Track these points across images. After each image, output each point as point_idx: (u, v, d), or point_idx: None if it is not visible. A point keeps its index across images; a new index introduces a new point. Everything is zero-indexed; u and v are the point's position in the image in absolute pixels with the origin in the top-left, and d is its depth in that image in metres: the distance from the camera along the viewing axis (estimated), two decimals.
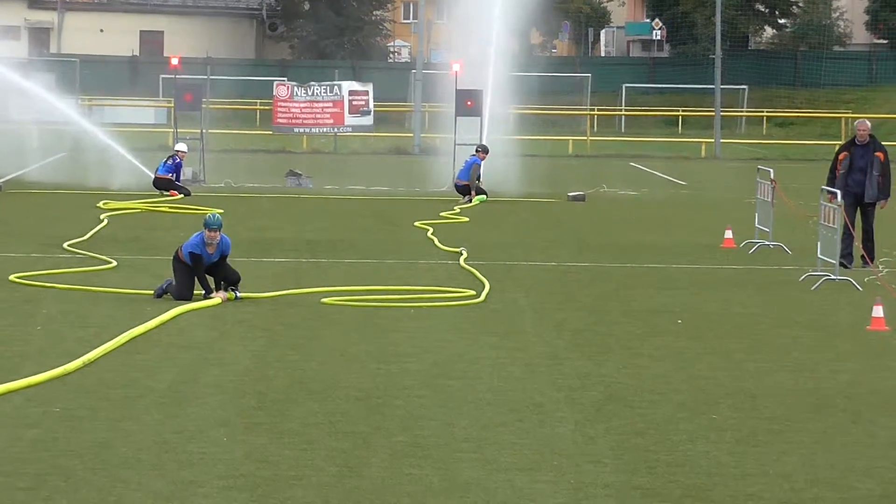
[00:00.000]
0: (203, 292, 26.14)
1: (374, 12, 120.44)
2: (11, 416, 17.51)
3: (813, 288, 30.43)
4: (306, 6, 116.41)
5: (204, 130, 56.70)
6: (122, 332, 22.15)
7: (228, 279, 26.63)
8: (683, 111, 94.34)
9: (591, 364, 21.63)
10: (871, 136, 34.85)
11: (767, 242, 36.39)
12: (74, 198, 48.12)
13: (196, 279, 26.08)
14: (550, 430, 17.40)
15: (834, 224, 30.96)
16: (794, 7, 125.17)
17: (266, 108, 72.98)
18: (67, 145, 62.11)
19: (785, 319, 27.01)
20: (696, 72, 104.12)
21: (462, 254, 34.03)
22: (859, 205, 33.79)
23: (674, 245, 38.85)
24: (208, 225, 26.15)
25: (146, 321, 23.50)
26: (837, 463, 16.18)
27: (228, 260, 26.61)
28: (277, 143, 73.46)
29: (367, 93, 62.51)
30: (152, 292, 26.69)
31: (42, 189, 51.26)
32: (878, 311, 24.39)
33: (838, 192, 32.33)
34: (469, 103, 53.87)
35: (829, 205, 32.43)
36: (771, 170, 40.13)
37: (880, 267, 32.48)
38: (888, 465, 16.06)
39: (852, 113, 77.71)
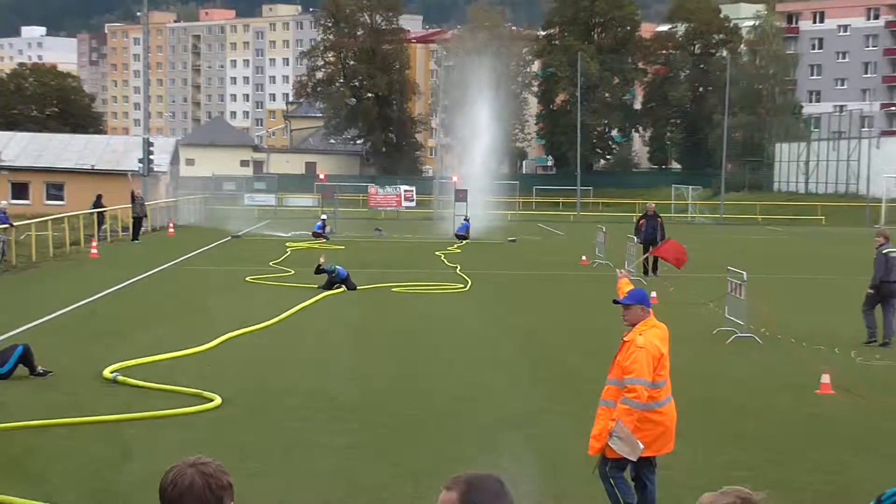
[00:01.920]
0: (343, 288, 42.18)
1: (416, 135, 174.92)
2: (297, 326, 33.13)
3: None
4: (384, 149, 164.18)
5: (335, 209, 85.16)
6: (302, 303, 37.21)
7: (349, 286, 42.37)
8: (563, 199, 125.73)
9: (520, 319, 35.75)
10: (654, 211, 51.23)
11: (603, 261, 52.08)
12: (274, 242, 67.54)
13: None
14: (495, 351, 30.10)
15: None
16: (612, 150, 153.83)
17: (365, 197, 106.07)
18: (270, 216, 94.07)
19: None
20: (569, 181, 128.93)
21: (514, 240, 68.50)
22: (650, 245, 47.67)
23: (558, 263, 55.10)
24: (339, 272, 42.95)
25: (312, 299, 38.64)
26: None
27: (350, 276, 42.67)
28: (371, 215, 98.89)
29: (412, 191, 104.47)
30: (317, 286, 41.98)
31: (257, 237, 73.22)
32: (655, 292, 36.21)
33: (635, 238, 49.13)
34: (461, 195, 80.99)
35: (633, 243, 48.47)
36: (603, 226, 57.19)
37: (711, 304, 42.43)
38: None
39: (643, 200, 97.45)
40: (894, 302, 31.35)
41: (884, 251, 31.43)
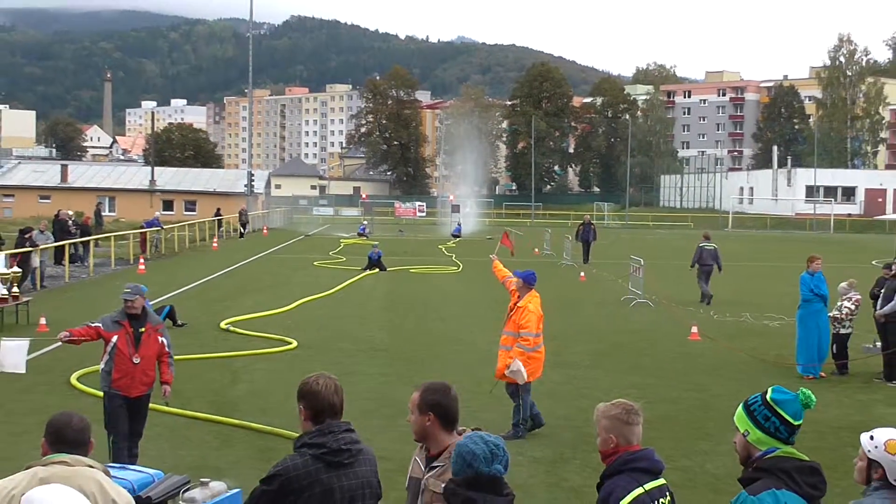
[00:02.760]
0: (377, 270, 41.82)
1: (425, 169, 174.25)
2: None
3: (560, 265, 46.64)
4: (405, 178, 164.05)
5: (372, 218, 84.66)
6: (351, 279, 37.72)
7: (382, 268, 41.82)
8: (522, 211, 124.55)
9: (493, 291, 32.82)
10: (590, 220, 49.94)
11: (548, 252, 49.52)
12: (332, 239, 66.52)
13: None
14: (476, 309, 30.00)
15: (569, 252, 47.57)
16: (554, 179, 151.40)
17: (392, 210, 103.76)
18: (329, 223, 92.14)
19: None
20: (527, 200, 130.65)
21: (490, 238, 61.66)
22: (586, 243, 48.33)
23: (519, 253, 52.08)
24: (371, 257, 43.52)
25: (357, 277, 39.13)
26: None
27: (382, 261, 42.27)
28: (396, 222, 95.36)
29: (423, 205, 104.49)
30: (360, 268, 42.10)
31: (322, 236, 72.22)
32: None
33: (575, 238, 48.26)
34: (455, 209, 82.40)
35: (569, 240, 48.40)
36: (549, 229, 56.96)
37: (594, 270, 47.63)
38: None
39: (577, 213, 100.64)
40: (709, 275, 33.26)
41: (703, 245, 33.67)
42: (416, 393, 5.76)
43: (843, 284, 20.14)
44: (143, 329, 11.54)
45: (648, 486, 5.25)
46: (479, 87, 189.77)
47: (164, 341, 11.79)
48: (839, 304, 19.91)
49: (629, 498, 5.18)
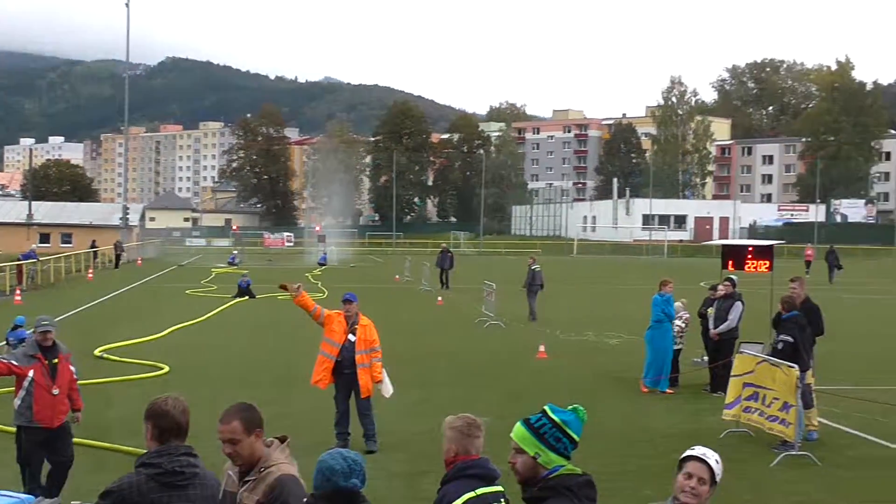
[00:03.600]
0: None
1: (293, 202, 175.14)
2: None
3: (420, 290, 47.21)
4: (274, 210, 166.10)
5: (243, 248, 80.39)
6: (221, 306, 37.61)
7: (251, 296, 41.75)
8: (384, 241, 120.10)
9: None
10: (447, 247, 51.02)
11: (408, 278, 49.00)
12: (203, 269, 64.87)
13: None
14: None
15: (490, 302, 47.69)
16: (414, 210, 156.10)
17: (262, 240, 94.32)
18: (202, 253, 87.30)
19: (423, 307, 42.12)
20: (389, 229, 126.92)
21: (354, 266, 58.77)
22: (444, 270, 48.20)
23: (381, 279, 52.84)
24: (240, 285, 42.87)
25: (227, 304, 38.92)
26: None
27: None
28: (265, 252, 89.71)
29: (291, 235, 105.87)
30: (230, 295, 41.24)
31: (192, 266, 68.71)
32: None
33: (436, 264, 49.65)
34: (321, 238, 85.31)
35: (426, 266, 49.99)
36: (409, 257, 56.39)
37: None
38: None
39: (435, 241, 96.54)
40: (536, 294, 34.43)
41: (532, 267, 34.76)
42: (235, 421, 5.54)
43: (676, 304, 20.45)
44: (56, 360, 11.16)
45: (480, 491, 5.27)
46: (344, 124, 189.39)
47: (73, 369, 11.50)
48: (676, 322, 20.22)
49: (460, 501, 5.21)
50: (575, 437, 4.97)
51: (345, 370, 14.21)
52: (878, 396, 18.13)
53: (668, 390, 19.26)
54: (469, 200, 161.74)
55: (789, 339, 14.76)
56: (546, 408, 5.05)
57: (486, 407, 17.06)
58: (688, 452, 5.20)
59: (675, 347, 20.07)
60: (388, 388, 14.52)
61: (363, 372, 14.22)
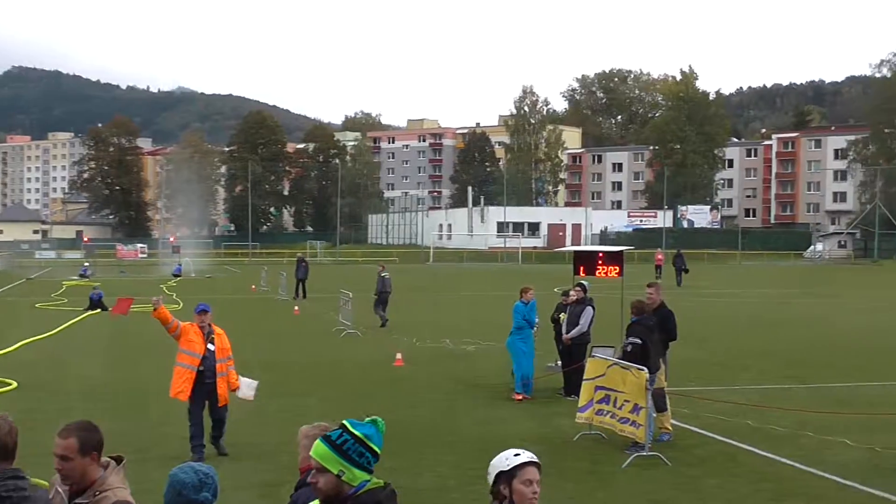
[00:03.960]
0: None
1: (147, 212, 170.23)
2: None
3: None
4: (126, 221, 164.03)
5: (94, 260, 75.80)
6: (72, 320, 37.07)
7: (103, 308, 40.37)
8: (240, 251, 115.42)
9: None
10: (303, 257, 50.32)
11: (265, 289, 49.05)
12: (53, 282, 62.24)
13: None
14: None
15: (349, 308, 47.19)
16: (270, 220, 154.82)
17: (114, 252, 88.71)
18: (52, 266, 76.74)
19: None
20: (245, 239, 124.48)
21: (210, 277, 50.15)
22: (300, 280, 48.80)
23: (238, 289, 52.50)
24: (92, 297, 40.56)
25: (79, 317, 38.32)
26: None
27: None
28: (118, 263, 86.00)
29: (145, 247, 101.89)
30: (82, 308, 40.72)
31: (41, 279, 64.29)
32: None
33: (295, 275, 49.65)
34: (176, 249, 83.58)
35: (283, 276, 49.61)
36: (266, 267, 55.46)
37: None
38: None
39: (292, 251, 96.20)
40: (386, 302, 34.82)
41: (382, 274, 35.29)
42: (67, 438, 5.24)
43: None
44: None
45: None
46: (198, 134, 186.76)
47: None
48: None
49: None
50: (377, 450, 4.78)
51: (206, 380, 14.21)
52: (725, 397, 18.71)
53: (518, 396, 19.36)
54: (325, 210, 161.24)
55: (637, 340, 15.04)
56: (345, 423, 4.86)
57: (345, 415, 16.85)
58: (517, 461, 4.99)
59: None
60: (247, 393, 14.68)
61: (222, 381, 14.35)
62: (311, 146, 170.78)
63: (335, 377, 22.43)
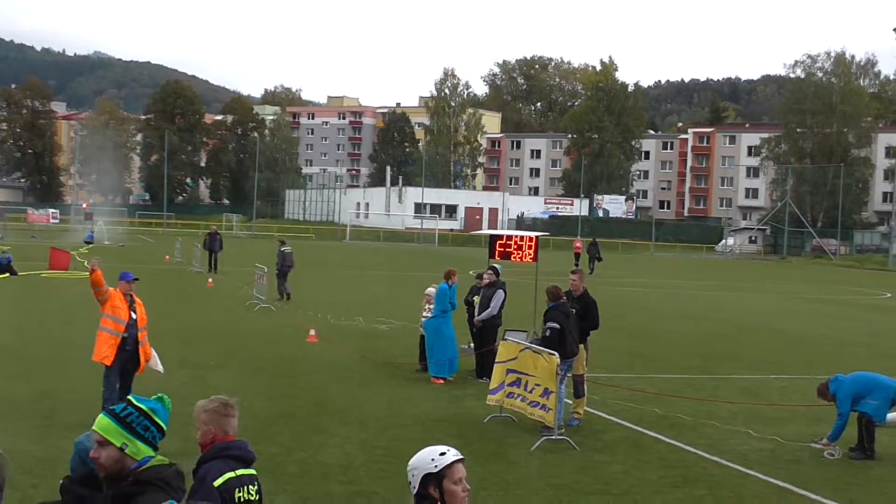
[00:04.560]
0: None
1: (60, 177, 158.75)
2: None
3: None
4: (38, 186, 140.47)
5: (4, 224, 70.20)
6: None
7: (13, 272, 39.92)
8: (155, 220, 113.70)
9: None
10: (216, 230, 49.79)
11: (179, 260, 47.92)
12: None
13: None
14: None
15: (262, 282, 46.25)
16: (186, 191, 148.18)
17: (26, 216, 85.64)
18: None
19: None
20: (160, 209, 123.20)
21: (123, 245, 55.39)
22: (212, 252, 46.78)
23: (152, 260, 51.24)
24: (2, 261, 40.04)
25: None
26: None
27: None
28: (29, 227, 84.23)
29: (57, 212, 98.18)
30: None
31: None
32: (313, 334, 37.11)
33: (202, 246, 48.76)
34: (89, 216, 73.77)
35: (197, 248, 48.44)
36: (180, 238, 54.59)
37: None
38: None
39: (206, 223, 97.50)
40: (287, 276, 34.66)
41: (282, 248, 35.34)
42: None
43: (429, 290, 20.62)
44: None
45: (239, 472, 5.31)
46: (114, 100, 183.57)
47: None
48: (425, 306, 20.37)
49: (221, 480, 5.21)
50: (163, 425, 4.76)
51: (127, 347, 14.34)
52: (634, 384, 19.03)
53: (440, 380, 19.29)
54: (242, 183, 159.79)
55: (556, 325, 15.11)
56: (130, 397, 4.86)
57: (256, 389, 17.05)
58: (444, 461, 4.74)
59: None
60: (158, 363, 14.84)
61: (142, 350, 14.54)
62: (230, 118, 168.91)
63: (247, 351, 22.29)
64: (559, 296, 15.65)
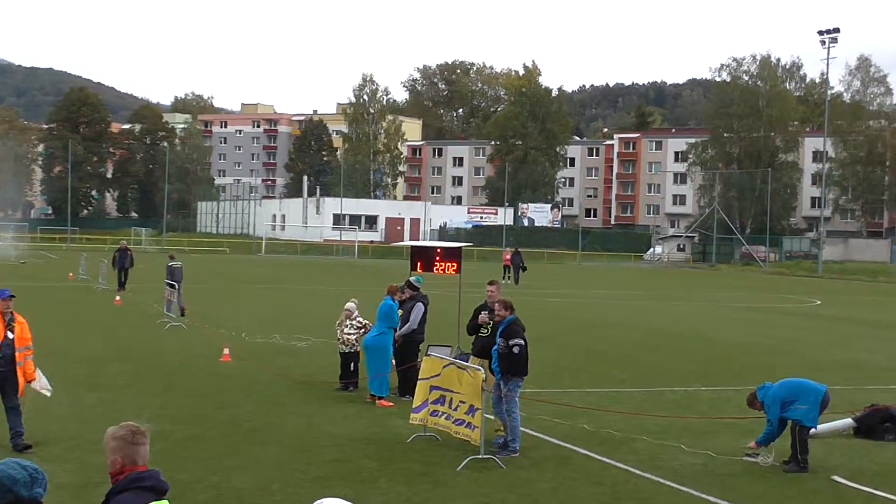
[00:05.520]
0: None
1: None
2: None
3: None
4: None
5: None
6: None
7: None
8: (59, 235, 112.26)
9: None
10: (126, 246, 49.23)
11: (84, 277, 46.99)
12: None
13: None
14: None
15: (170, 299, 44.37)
16: (92, 204, 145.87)
17: None
18: None
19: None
20: (64, 223, 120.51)
21: (24, 262, 53.18)
22: (122, 270, 45.54)
23: (54, 278, 50.39)
24: None
25: None
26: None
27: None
28: None
29: None
30: None
31: None
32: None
33: (112, 264, 47.74)
34: None
35: (104, 264, 46.64)
36: (85, 254, 53.92)
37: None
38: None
39: (115, 238, 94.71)
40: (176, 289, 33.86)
41: (170, 264, 35.99)
42: None
43: (349, 304, 20.48)
44: None
45: None
46: (13, 109, 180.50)
47: None
48: (346, 322, 20.26)
49: None
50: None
51: (1, 368, 14.02)
52: (560, 399, 19.06)
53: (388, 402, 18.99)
54: (152, 195, 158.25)
55: (521, 342, 14.87)
56: None
57: (167, 412, 16.82)
58: None
59: (349, 350, 20.20)
60: (45, 385, 14.51)
61: (20, 371, 14.20)
62: (138, 127, 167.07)
63: (157, 372, 21.98)
64: (513, 309, 15.44)
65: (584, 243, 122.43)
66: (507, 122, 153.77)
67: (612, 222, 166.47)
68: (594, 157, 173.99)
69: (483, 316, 16.30)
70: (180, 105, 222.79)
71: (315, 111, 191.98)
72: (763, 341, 32.60)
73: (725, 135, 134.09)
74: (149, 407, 17.13)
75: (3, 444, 13.94)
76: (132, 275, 46.79)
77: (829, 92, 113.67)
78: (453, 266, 20.42)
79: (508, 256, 64.99)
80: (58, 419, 15.18)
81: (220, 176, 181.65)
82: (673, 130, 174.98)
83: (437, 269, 20.67)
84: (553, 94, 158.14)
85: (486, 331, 16.18)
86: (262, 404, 18.18)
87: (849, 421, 16.95)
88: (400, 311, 20.11)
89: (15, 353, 14.10)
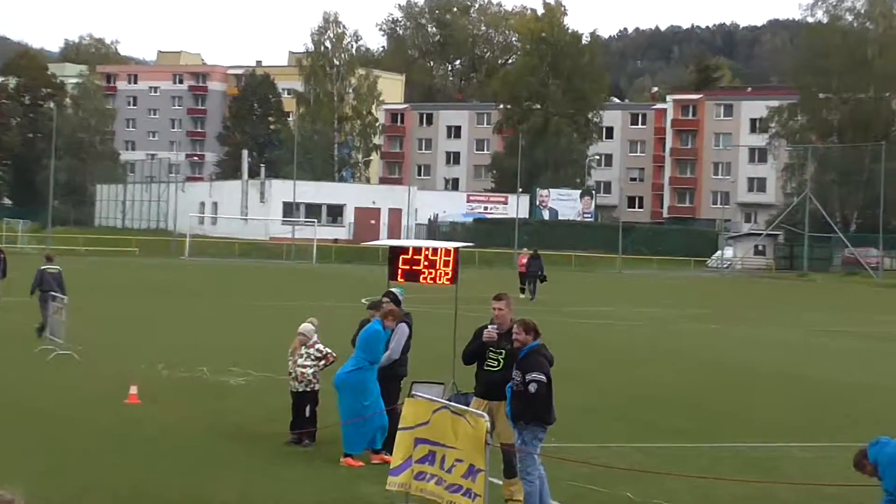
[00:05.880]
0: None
1: None
2: None
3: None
4: None
5: None
6: None
7: None
8: None
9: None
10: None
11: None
12: None
13: None
14: None
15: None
16: None
17: None
18: None
19: None
20: None
21: None
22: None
23: None
24: None
25: None
26: None
27: None
28: None
29: None
30: None
31: None
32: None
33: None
34: None
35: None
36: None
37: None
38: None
39: None
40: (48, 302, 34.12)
41: (43, 267, 36.36)
42: None
43: (305, 325, 20.18)
44: None
45: None
46: None
47: None
48: (300, 351, 19.89)
49: None
50: None
51: None
52: (596, 457, 18.95)
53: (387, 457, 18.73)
54: (32, 175, 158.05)
55: (542, 377, 14.58)
56: None
57: (49, 475, 16.67)
58: None
59: (304, 390, 19.93)
60: None
61: None
62: (13, 81, 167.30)
63: (37, 417, 21.86)
64: (539, 333, 15.16)
65: (627, 244, 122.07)
66: (521, 78, 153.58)
67: (665, 216, 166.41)
68: (640, 126, 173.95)
69: (490, 331, 15.99)
70: (72, 52, 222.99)
71: (259, 62, 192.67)
72: (877, 381, 32.41)
73: (821, 96, 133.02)
74: (25, 469, 16.86)
75: None
76: (4, 286, 46.54)
77: None
78: (447, 274, 20.27)
79: (524, 261, 63.28)
80: None
81: (127, 150, 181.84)
82: (748, 90, 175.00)
83: (424, 279, 20.50)
84: (583, 41, 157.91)
85: (495, 362, 15.91)
86: (182, 463, 18.02)
87: None
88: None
89: None
